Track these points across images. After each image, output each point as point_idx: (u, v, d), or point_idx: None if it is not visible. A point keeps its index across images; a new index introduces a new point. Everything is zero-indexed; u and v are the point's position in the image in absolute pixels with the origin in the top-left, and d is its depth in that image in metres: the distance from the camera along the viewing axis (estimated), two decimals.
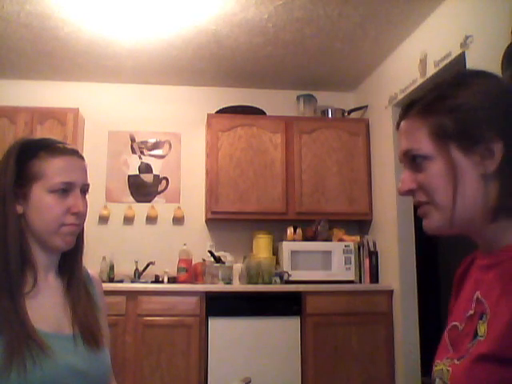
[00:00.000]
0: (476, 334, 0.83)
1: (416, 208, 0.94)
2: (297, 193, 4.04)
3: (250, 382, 1.32)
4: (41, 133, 3.82)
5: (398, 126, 0.96)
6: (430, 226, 0.91)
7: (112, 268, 3.94)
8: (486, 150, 0.84)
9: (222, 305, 3.55)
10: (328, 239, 4.03)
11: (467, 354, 0.83)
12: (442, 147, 0.87)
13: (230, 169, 4.01)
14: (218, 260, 3.82)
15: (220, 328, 3.52)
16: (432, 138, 0.88)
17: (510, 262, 0.83)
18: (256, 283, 3.76)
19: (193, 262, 4.01)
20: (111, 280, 3.88)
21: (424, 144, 0.89)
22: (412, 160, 0.91)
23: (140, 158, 4.31)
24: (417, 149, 0.89)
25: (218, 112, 4.20)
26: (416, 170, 0.90)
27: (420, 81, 3.32)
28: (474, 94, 0.87)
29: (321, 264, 3.88)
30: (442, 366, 0.89)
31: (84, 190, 1.18)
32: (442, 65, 3.06)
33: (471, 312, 0.88)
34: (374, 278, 3.92)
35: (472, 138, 0.85)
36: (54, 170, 1.13)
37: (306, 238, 4.01)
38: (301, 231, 4.02)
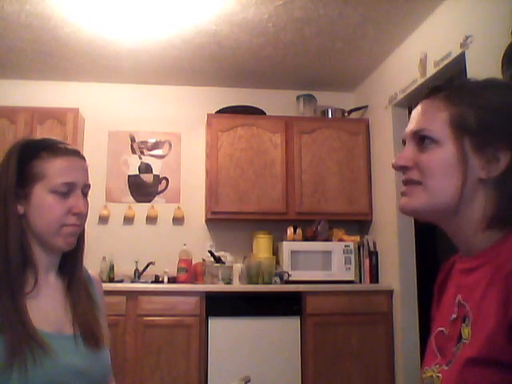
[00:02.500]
0: (460, 338, 0.83)
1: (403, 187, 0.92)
2: (297, 193, 4.04)
3: (249, 381, 1.33)
4: (41, 133, 3.81)
5: (416, 105, 0.94)
6: (409, 206, 0.90)
7: (112, 268, 3.94)
8: (493, 155, 0.85)
9: (222, 305, 3.55)
10: (328, 239, 4.03)
11: (454, 358, 0.83)
12: (457, 136, 0.86)
13: (230, 169, 4.01)
14: (217, 260, 3.82)
15: (220, 328, 3.52)
16: (449, 125, 0.87)
17: (491, 264, 0.83)
18: (256, 283, 3.76)
19: (193, 262, 4.01)
20: (111, 280, 3.87)
21: (439, 127, 0.88)
22: (419, 140, 0.89)
23: (140, 158, 4.31)
24: (430, 129, 0.88)
25: (218, 112, 4.20)
26: (420, 150, 0.89)
27: (420, 81, 3.32)
28: (501, 101, 0.87)
29: (321, 264, 3.88)
30: (430, 372, 0.89)
31: (85, 190, 1.18)
32: (442, 65, 3.06)
33: (454, 316, 0.88)
34: (374, 278, 3.91)
35: (486, 140, 0.85)
36: (55, 170, 1.13)
37: (305, 238, 4.01)
38: (301, 231, 4.02)
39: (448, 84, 0.92)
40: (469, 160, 0.85)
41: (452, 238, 0.92)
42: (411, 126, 0.92)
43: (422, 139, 0.89)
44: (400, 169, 0.91)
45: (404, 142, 0.94)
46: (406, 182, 0.91)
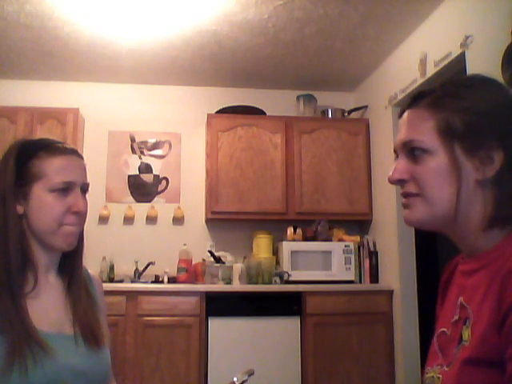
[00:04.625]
0: (461, 340, 0.83)
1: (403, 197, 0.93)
2: (297, 193, 4.04)
3: (252, 373, 1.34)
4: (41, 133, 3.81)
5: (401, 113, 0.94)
6: (412, 218, 0.90)
7: (112, 268, 3.94)
8: (486, 156, 0.84)
9: (222, 305, 3.55)
10: (328, 239, 4.02)
11: (454, 359, 0.83)
12: (446, 144, 0.86)
13: (230, 169, 4.01)
14: (218, 260, 3.82)
15: (220, 328, 3.52)
16: (438, 133, 0.86)
17: (493, 266, 0.83)
18: (256, 283, 3.76)
19: (193, 262, 4.01)
20: (111, 280, 3.87)
21: (428, 137, 0.87)
22: (410, 151, 0.89)
23: (140, 158, 4.31)
24: (420, 140, 0.87)
25: (217, 112, 4.20)
26: (413, 161, 0.88)
27: (420, 81, 3.32)
28: (485, 100, 0.87)
29: (321, 264, 3.88)
30: (432, 373, 0.89)
31: (84, 189, 1.18)
32: (442, 65, 3.06)
33: (456, 317, 0.88)
34: (374, 278, 3.91)
35: (476, 142, 0.85)
36: (54, 169, 1.13)
37: (305, 238, 4.01)
38: (301, 231, 4.02)
39: (430, 90, 0.91)
40: (462, 165, 0.85)
41: (455, 241, 0.92)
42: (400, 136, 0.91)
43: (413, 149, 0.88)
44: (397, 183, 0.91)
45: (396, 152, 0.94)
46: (406, 196, 0.91)
